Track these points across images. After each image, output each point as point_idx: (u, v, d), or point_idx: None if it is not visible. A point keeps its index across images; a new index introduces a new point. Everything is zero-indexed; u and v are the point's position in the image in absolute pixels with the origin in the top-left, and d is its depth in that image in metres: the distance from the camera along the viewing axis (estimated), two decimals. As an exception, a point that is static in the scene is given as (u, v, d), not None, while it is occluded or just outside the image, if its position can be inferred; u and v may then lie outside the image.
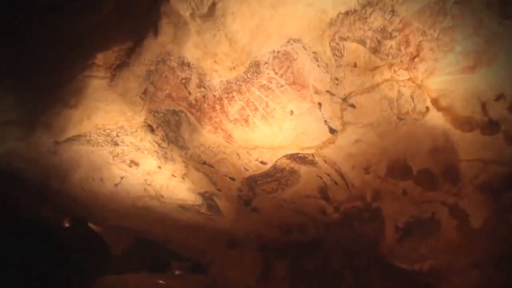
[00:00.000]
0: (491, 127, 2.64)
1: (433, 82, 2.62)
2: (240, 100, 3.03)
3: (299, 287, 4.17)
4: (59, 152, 3.56)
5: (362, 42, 2.60)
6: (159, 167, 3.69)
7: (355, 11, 2.48)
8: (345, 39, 2.61)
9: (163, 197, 3.97)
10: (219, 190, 3.80)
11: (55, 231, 4.22)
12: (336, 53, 2.68)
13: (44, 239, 3.96)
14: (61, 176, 3.75)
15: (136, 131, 3.45)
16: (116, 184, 3.83)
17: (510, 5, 2.27)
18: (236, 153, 3.37)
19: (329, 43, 2.65)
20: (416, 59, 2.57)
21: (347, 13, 2.50)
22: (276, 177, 3.49)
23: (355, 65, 2.70)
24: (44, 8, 3.10)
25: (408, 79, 2.67)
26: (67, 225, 4.31)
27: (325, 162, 3.26)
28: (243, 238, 4.39)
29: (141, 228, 4.61)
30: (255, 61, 2.82)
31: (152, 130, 3.44)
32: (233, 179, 3.61)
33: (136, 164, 3.67)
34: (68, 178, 3.77)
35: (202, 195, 3.91)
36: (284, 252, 4.30)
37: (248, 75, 2.90)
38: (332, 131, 3.04)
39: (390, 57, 2.62)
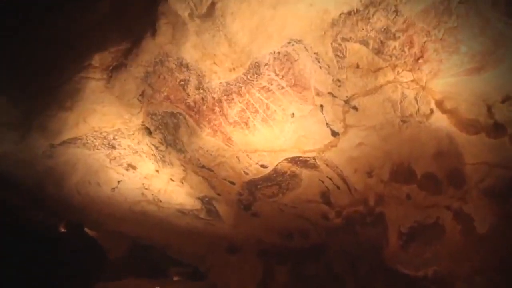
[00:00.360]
0: (496, 130, 2.62)
1: (437, 84, 2.59)
2: (240, 102, 2.99)
3: (300, 293, 4.13)
4: (55, 156, 3.50)
5: (364, 42, 2.56)
6: (157, 171, 3.64)
7: (357, 11, 2.45)
8: (348, 40, 2.57)
9: (161, 201, 3.92)
10: (218, 194, 3.76)
11: (51, 236, 4.18)
12: (338, 54, 2.64)
13: (39, 244, 3.91)
14: (56, 180, 3.70)
15: (133, 134, 3.40)
16: (113, 188, 3.78)
17: (517, 5, 2.23)
18: (236, 157, 3.32)
19: (331, 44, 2.61)
20: (420, 60, 2.54)
21: (349, 13, 2.46)
22: (277, 181, 3.45)
23: (357, 67, 2.67)
24: (41, 8, 3.06)
25: (412, 81, 2.64)
26: (62, 230, 4.26)
27: (327, 165, 3.22)
28: (243, 243, 4.35)
29: (139, 233, 4.56)
30: (255, 62, 2.78)
31: (149, 133, 3.39)
32: (232, 183, 3.57)
33: (134, 167, 3.62)
34: (64, 182, 3.71)
35: (201, 199, 3.87)
36: (284, 257, 4.27)
37: (248, 77, 2.86)
38: (334, 134, 3.01)
39: (393, 58, 2.58)
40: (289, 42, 2.66)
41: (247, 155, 3.29)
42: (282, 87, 2.86)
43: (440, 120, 2.71)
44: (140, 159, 3.56)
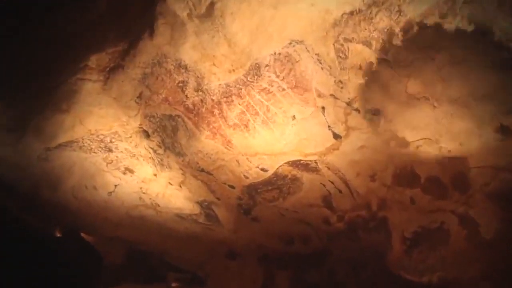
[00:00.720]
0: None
1: (441, 85, 2.55)
2: (239, 104, 2.95)
3: (301, 300, 4.09)
4: (50, 159, 3.45)
5: (367, 43, 2.52)
6: (155, 175, 3.59)
7: (360, 11, 2.41)
8: (350, 41, 2.54)
9: (159, 206, 3.87)
10: (218, 198, 3.71)
11: (46, 242, 4.12)
12: (340, 55, 2.60)
13: (34, 249, 3.85)
14: (52, 184, 3.64)
15: (131, 137, 3.35)
16: (110, 193, 3.73)
17: (523, 5, 2.19)
18: (236, 160, 3.28)
19: (333, 45, 2.58)
20: (423, 61, 2.50)
21: (351, 13, 2.43)
22: (278, 185, 3.41)
23: (360, 68, 2.63)
24: (41, 8, 3.02)
25: (416, 82, 2.61)
26: (58, 235, 4.21)
27: (329, 169, 3.18)
28: (243, 248, 4.31)
29: (136, 238, 4.51)
30: (256, 64, 2.75)
31: (147, 135, 3.35)
32: (232, 187, 3.53)
33: (131, 171, 3.57)
34: (60, 186, 3.66)
35: (200, 204, 3.82)
36: (285, 263, 4.23)
37: (248, 78, 2.82)
38: (336, 136, 2.97)
39: (396, 59, 2.55)
40: (290, 43, 2.63)
41: (247, 159, 3.25)
42: (283, 89, 2.82)
43: (444, 122, 2.68)
44: (138, 163, 3.51)
